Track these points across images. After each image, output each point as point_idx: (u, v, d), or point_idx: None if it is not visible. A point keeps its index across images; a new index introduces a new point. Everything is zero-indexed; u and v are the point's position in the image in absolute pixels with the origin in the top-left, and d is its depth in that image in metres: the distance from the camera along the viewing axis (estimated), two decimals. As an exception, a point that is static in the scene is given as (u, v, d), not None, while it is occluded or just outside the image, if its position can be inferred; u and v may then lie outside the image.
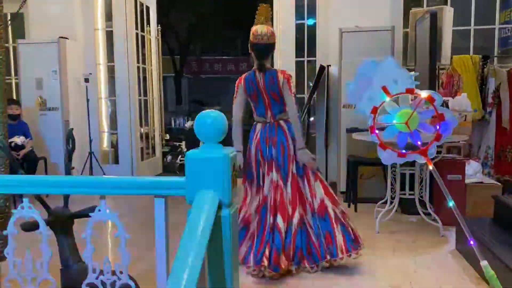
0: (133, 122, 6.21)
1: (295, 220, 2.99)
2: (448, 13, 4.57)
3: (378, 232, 3.78)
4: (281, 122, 3.12)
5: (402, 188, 3.87)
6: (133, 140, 6.20)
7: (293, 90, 3.09)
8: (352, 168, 4.61)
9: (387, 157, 2.58)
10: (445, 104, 3.93)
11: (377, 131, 2.50)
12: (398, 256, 3.31)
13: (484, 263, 2.00)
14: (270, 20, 3.17)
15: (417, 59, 4.80)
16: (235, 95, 3.19)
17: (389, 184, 3.96)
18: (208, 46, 23.07)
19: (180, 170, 7.31)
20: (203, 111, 1.41)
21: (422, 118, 2.38)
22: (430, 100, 2.34)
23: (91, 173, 5.81)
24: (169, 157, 7.60)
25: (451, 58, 4.79)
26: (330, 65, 5.40)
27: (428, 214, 3.80)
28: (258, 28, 3.09)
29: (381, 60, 2.55)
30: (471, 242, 2.20)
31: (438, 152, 3.85)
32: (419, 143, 2.40)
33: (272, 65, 3.24)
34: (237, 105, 3.18)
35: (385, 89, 2.45)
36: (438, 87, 4.84)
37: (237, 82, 3.19)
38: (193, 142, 8.01)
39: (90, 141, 5.82)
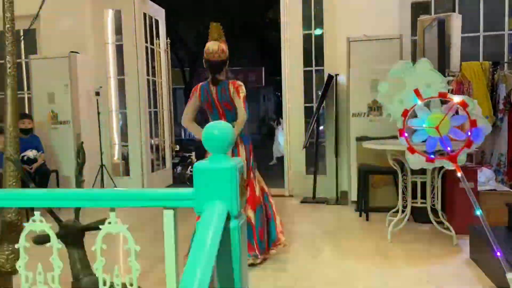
0: (144, 134, 6.26)
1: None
2: (456, 20, 4.55)
3: (391, 242, 3.74)
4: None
5: (414, 196, 3.83)
6: (144, 152, 6.25)
7: (242, 95, 3.34)
8: (363, 177, 4.58)
9: (415, 161, 2.55)
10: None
11: (406, 134, 2.48)
12: (411, 265, 3.26)
13: (510, 275, 1.95)
14: (223, 36, 3.46)
15: (426, 66, 4.77)
16: (189, 100, 3.48)
17: (401, 193, 3.92)
18: (217, 58, 23.18)
19: (190, 181, 7.33)
20: (210, 123, 1.42)
21: (454, 123, 2.34)
22: (464, 105, 2.30)
23: (102, 186, 5.85)
24: (179, 168, 7.63)
25: (461, 65, 4.76)
26: (338, 74, 5.40)
27: (441, 223, 3.75)
28: (209, 46, 3.38)
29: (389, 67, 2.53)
30: (498, 254, 2.15)
31: (450, 160, 3.81)
32: (448, 149, 2.36)
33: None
34: (188, 108, 3.47)
35: (417, 92, 2.41)
36: (448, 94, 4.80)
37: (193, 89, 3.50)
38: (203, 153, 8.03)
39: (101, 153, 5.87)
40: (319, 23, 5.70)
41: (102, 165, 5.86)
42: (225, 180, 1.32)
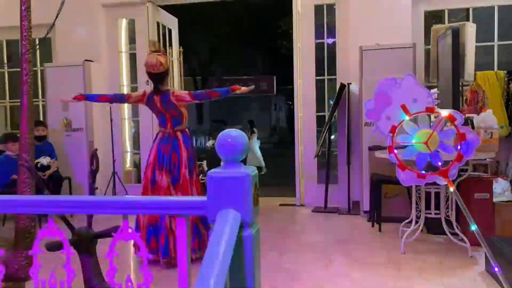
0: (156, 142, 6.27)
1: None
2: (470, 29, 4.52)
3: (404, 253, 3.69)
4: (178, 133, 3.70)
5: (428, 207, 3.78)
6: (155, 160, 6.25)
7: (184, 95, 3.67)
8: (376, 186, 4.53)
9: (406, 178, 2.52)
10: (470, 121, 3.84)
11: (395, 151, 2.45)
12: (424, 277, 3.21)
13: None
14: (160, 49, 3.72)
15: (439, 76, 4.73)
16: (137, 94, 3.86)
17: (414, 203, 3.87)
18: (228, 66, 23.37)
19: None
20: (224, 130, 1.42)
21: (443, 138, 2.32)
22: (451, 119, 2.28)
23: (114, 193, 5.87)
24: (190, 177, 7.63)
25: (475, 74, 4.71)
26: (350, 83, 5.38)
27: (455, 234, 3.69)
28: (148, 60, 3.62)
29: (400, 77, 2.50)
30: (496, 269, 2.11)
31: (464, 170, 3.76)
32: (439, 164, 2.33)
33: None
34: (131, 95, 3.93)
35: (404, 108, 2.40)
36: (462, 104, 4.75)
37: (143, 92, 3.82)
38: (214, 161, 8.06)
39: (114, 161, 5.91)
40: (332, 32, 5.69)
41: (114, 173, 5.89)
42: (239, 188, 1.31)
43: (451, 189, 2.32)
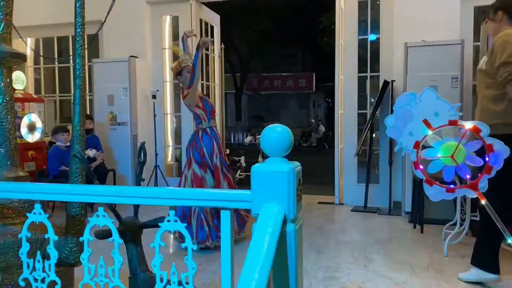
0: (196, 137, 6.38)
1: None
2: (524, 25, 4.30)
3: (447, 256, 3.58)
4: (207, 129, 4.03)
5: (474, 209, 3.65)
6: (196, 155, 6.36)
7: (185, 90, 4.06)
8: (418, 187, 4.40)
9: (434, 193, 2.46)
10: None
11: (421, 166, 2.39)
12: (469, 282, 3.10)
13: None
14: (181, 52, 4.36)
15: (489, 73, 4.54)
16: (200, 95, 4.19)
17: (459, 205, 3.74)
18: (268, 63, 23.38)
19: (239, 184, 7.40)
20: (269, 126, 1.42)
21: (469, 150, 2.24)
22: (476, 130, 2.20)
23: (156, 185, 6.03)
24: (229, 172, 7.71)
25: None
26: (394, 80, 5.26)
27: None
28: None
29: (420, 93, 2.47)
30: None
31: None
32: (468, 176, 2.26)
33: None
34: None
35: (426, 122, 2.35)
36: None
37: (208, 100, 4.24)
38: (252, 157, 8.11)
39: (156, 154, 6.06)
40: (375, 28, 5.58)
41: (156, 166, 6.04)
42: (283, 183, 1.32)
43: (483, 202, 2.26)
